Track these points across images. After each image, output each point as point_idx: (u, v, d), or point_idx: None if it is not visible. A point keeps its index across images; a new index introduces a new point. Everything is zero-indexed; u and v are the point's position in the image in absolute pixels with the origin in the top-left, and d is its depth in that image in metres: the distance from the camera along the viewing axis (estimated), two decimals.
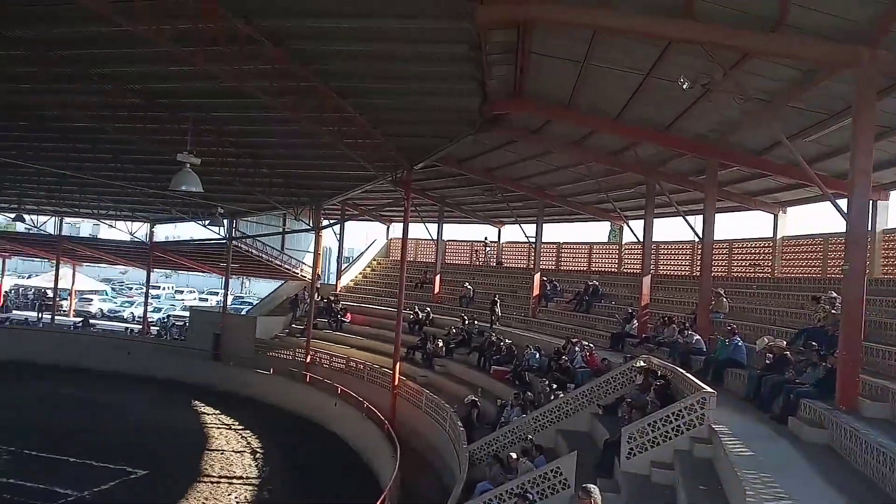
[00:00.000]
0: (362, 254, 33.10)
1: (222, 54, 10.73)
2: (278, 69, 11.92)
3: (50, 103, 15.62)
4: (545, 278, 22.77)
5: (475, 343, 20.29)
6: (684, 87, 10.00)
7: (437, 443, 15.74)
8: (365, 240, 36.56)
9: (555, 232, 25.89)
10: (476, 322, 21.79)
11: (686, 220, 17.32)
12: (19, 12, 11.12)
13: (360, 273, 31.73)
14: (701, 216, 15.22)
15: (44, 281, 44.46)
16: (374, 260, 32.21)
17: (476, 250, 29.54)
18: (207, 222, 26.75)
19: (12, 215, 30.95)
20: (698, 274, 16.03)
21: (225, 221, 27.43)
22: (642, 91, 11.71)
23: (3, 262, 43.70)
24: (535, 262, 22.57)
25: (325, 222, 27.84)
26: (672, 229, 25.84)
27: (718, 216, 15.23)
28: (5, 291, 43.90)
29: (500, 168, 20.02)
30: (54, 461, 15.21)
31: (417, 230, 28.76)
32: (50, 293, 38.37)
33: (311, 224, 25.64)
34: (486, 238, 29.14)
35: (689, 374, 10.33)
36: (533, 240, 22.96)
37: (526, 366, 16.73)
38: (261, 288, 49.03)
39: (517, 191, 21.68)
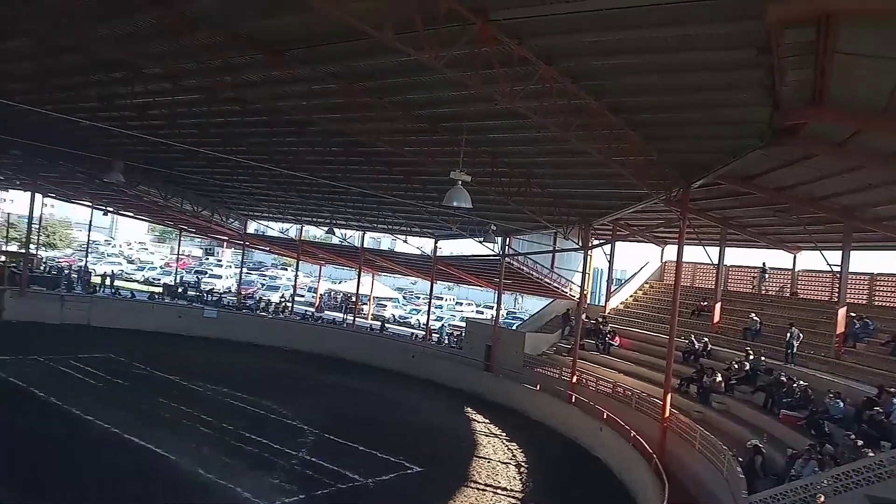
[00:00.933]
0: (634, 276, 31.83)
1: (496, 76, 11.14)
2: (549, 88, 11.99)
3: (355, 130, 17.78)
4: (853, 314, 19.38)
5: (761, 382, 18.05)
6: None
7: (711, 486, 14.31)
8: (637, 261, 35.21)
9: (867, 260, 21.92)
10: (763, 358, 19.39)
11: None
12: (329, 50, 12.89)
13: (630, 296, 30.53)
14: None
15: (350, 287, 51.13)
16: (647, 283, 30.74)
17: (753, 277, 26.48)
18: (482, 239, 28.25)
19: (325, 229, 36.25)
20: None
21: (498, 239, 28.68)
22: None
23: (320, 269, 51.39)
24: (840, 295, 19.33)
25: (595, 242, 27.40)
26: None
27: None
28: (321, 294, 51.54)
29: (795, 186, 17.47)
30: (347, 447, 17.01)
31: (695, 253, 26.80)
32: (353, 298, 44.01)
33: (580, 243, 25.45)
34: (763, 264, 25.98)
35: None
36: (837, 269, 19.75)
37: (825, 414, 14.34)
38: (531, 304, 50.20)
39: (817, 212, 18.77)
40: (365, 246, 40.57)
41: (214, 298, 40.86)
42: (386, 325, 40.44)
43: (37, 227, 38.55)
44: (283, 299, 46.07)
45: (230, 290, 49.09)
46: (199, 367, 24.37)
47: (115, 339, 27.56)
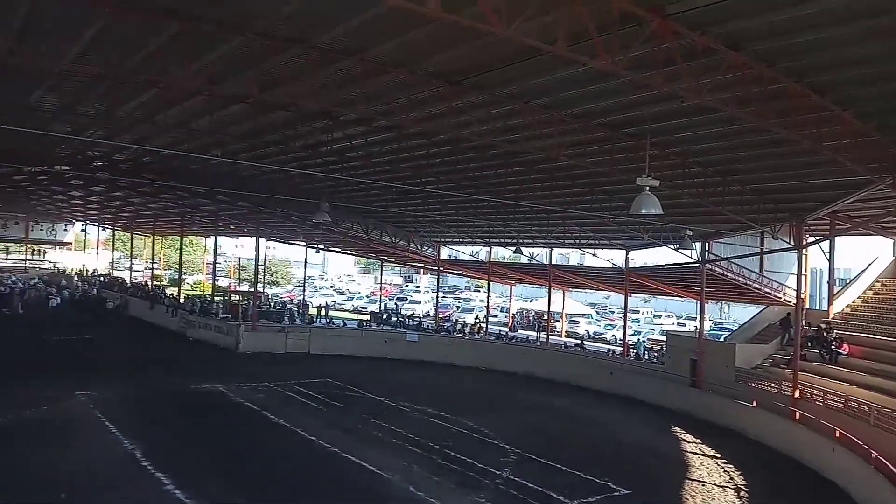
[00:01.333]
0: (861, 274, 28.09)
1: (679, 72, 10.58)
2: (740, 76, 11.13)
3: (536, 148, 17.87)
4: None
5: None
6: None
7: None
8: (864, 258, 31.08)
9: None
10: None
11: None
12: (504, 73, 13.16)
13: (858, 297, 26.92)
14: None
15: (541, 305, 51.15)
16: (878, 281, 26.95)
17: None
18: (677, 246, 26.73)
19: (513, 249, 36.72)
20: None
21: (696, 244, 26.96)
22: None
23: (511, 289, 52.04)
24: None
25: (810, 239, 24.69)
26: None
27: None
28: (513, 313, 52.11)
29: None
30: (549, 467, 16.74)
31: None
32: (545, 315, 43.91)
33: (792, 242, 23.05)
34: None
35: None
36: None
37: None
38: (740, 313, 46.43)
39: None
40: (553, 262, 40.37)
41: (415, 323, 43.04)
42: (583, 341, 39.76)
43: (262, 267, 43.60)
44: (477, 320, 47.25)
45: (429, 315, 51.45)
46: (406, 388, 25.68)
47: (330, 364, 30.01)
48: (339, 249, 54.75)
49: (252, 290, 41.28)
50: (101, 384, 22.28)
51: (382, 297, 57.50)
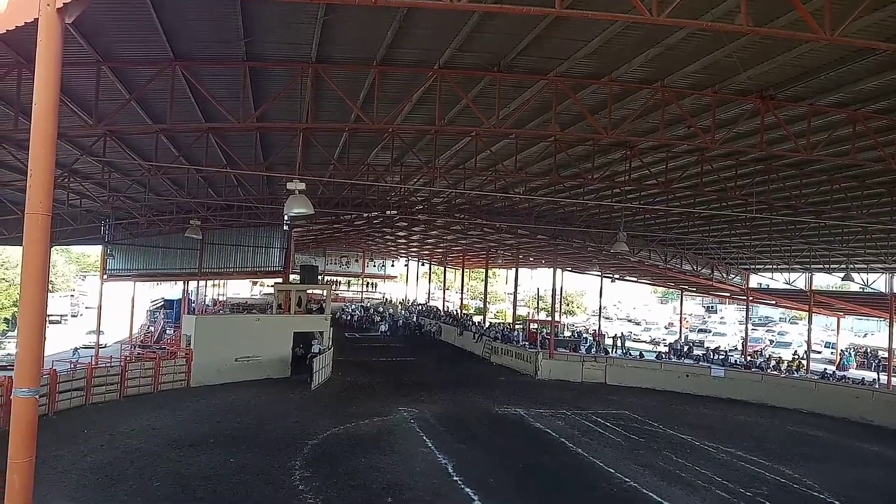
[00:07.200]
0: None
1: None
2: None
3: (869, 159, 15.61)
4: None
5: None
6: None
7: None
8: None
9: None
10: None
11: None
12: (825, 81, 11.92)
13: None
14: None
15: (880, 340, 43.68)
16: None
17: None
18: None
19: (841, 275, 32.01)
20: None
21: None
22: None
23: (838, 321, 45.37)
24: None
25: None
26: None
27: None
28: (841, 350, 45.27)
29: None
30: None
31: None
32: (886, 353, 37.27)
33: None
34: None
35: None
36: None
37: None
38: None
39: None
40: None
41: (720, 357, 39.93)
42: None
43: (559, 297, 44.77)
44: (796, 356, 42.05)
45: (735, 349, 47.34)
46: (711, 427, 23.91)
47: (628, 396, 29.33)
48: (634, 279, 53.67)
49: (549, 319, 42.51)
50: (418, 401, 25.07)
51: (682, 329, 54.48)
